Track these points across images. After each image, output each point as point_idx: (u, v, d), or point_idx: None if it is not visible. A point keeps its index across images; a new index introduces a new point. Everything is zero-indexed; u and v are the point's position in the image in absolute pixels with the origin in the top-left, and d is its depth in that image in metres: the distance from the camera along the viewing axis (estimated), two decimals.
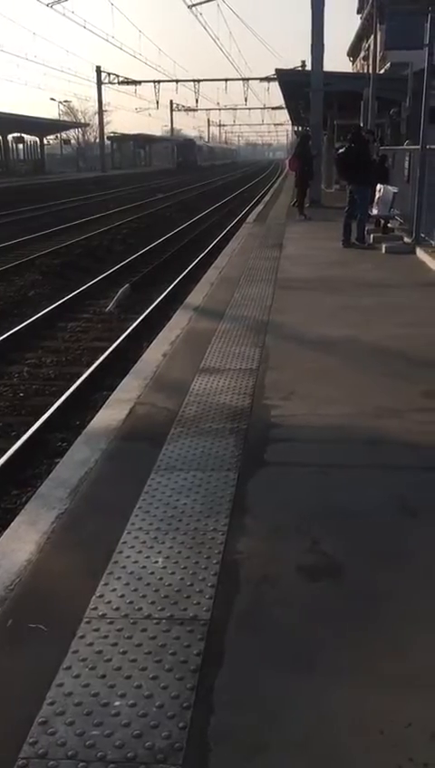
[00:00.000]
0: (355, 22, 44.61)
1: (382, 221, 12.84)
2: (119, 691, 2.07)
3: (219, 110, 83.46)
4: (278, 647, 2.27)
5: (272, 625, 2.37)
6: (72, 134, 75.86)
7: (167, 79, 57.85)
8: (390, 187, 12.56)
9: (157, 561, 2.72)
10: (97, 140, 70.73)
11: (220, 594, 2.51)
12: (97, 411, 4.58)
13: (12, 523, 3.12)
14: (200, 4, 25.66)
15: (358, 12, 44.61)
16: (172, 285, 10.98)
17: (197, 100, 64.58)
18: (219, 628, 2.33)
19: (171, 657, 2.20)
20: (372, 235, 12.11)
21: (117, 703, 2.02)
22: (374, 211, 12.68)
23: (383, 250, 11.02)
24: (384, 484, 3.38)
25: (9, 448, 5.00)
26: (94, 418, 4.37)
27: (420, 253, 10.52)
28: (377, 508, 3.14)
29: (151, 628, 2.34)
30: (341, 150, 12.27)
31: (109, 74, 56.80)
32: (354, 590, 2.56)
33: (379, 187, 12.77)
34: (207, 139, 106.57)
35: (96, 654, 2.22)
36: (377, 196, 12.81)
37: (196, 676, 2.12)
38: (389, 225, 12.91)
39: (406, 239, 11.74)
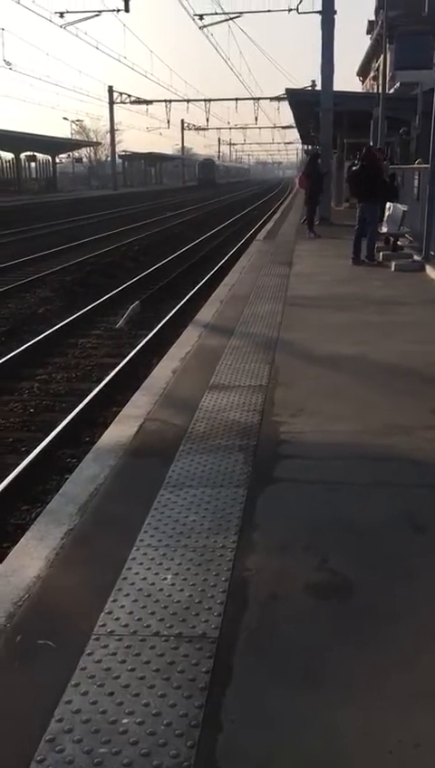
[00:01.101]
0: (365, 42, 45.10)
1: (392, 239, 12.88)
2: (127, 709, 2.06)
3: (230, 129, 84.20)
4: (287, 664, 2.25)
5: (280, 643, 2.36)
6: (83, 153, 76.71)
7: (178, 98, 58.48)
8: (399, 205, 12.61)
9: (166, 578, 2.71)
10: (108, 159, 71.50)
11: (229, 611, 2.50)
12: (107, 427, 4.59)
13: (21, 539, 3.13)
14: (211, 25, 25.97)
15: (368, 32, 45.11)
16: (182, 302, 11.03)
17: (207, 120, 65.26)
18: (228, 646, 2.33)
19: (180, 675, 2.19)
20: (381, 253, 12.15)
21: (125, 721, 2.02)
22: (384, 229, 12.72)
23: (393, 268, 11.04)
24: (393, 501, 3.37)
25: (19, 464, 5.02)
26: (104, 434, 4.38)
27: (429, 270, 10.53)
28: (386, 526, 3.13)
29: (160, 645, 2.33)
30: (355, 168, 12.33)
31: (120, 94, 57.58)
32: (363, 608, 2.55)
33: (388, 205, 12.83)
34: (217, 158, 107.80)
35: (104, 671, 2.22)
36: (387, 213, 12.87)
37: (204, 694, 2.11)
38: (398, 242, 12.95)
39: (416, 257, 11.75)
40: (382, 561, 2.86)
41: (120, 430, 4.34)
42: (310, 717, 2.03)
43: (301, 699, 2.11)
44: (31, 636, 2.39)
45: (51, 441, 5.44)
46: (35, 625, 2.46)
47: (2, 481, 4.75)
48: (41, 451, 5.25)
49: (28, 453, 5.27)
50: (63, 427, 5.72)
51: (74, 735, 1.97)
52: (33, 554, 2.93)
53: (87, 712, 2.05)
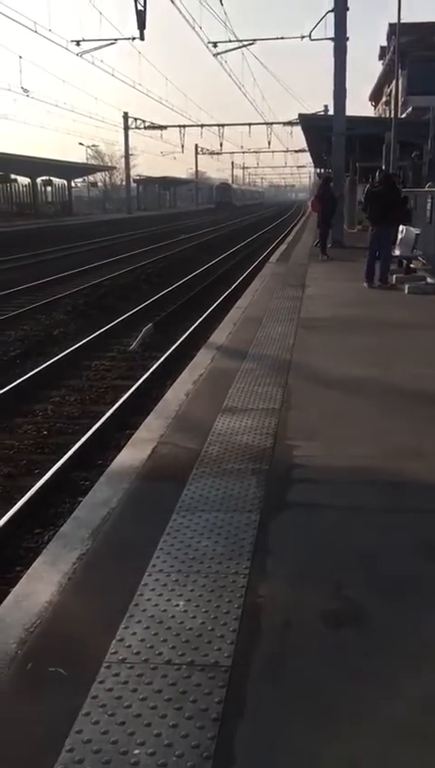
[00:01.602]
0: (377, 67, 45.61)
1: (405, 261, 12.90)
2: (138, 739, 2.03)
3: (243, 153, 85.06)
4: (301, 695, 2.22)
5: (294, 672, 2.32)
6: (99, 177, 77.59)
7: (192, 124, 59.25)
8: (412, 228, 12.64)
9: (178, 605, 2.69)
10: (123, 183, 72.30)
11: (242, 639, 2.47)
12: (120, 450, 4.59)
13: (33, 563, 3.12)
14: (225, 52, 26.32)
15: (380, 58, 45.64)
16: (195, 325, 11.07)
17: (221, 144, 66.08)
18: (241, 675, 2.29)
19: (192, 705, 2.16)
20: (394, 276, 12.15)
21: (136, 751, 1.99)
22: (397, 252, 12.75)
23: (406, 290, 11.04)
24: (408, 526, 3.33)
25: (33, 486, 5.02)
26: (117, 458, 4.37)
27: None
28: (401, 551, 3.09)
29: (172, 673, 2.30)
30: (375, 189, 12.33)
31: (135, 119, 58.38)
32: (379, 637, 2.50)
33: (401, 228, 12.87)
34: (231, 182, 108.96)
35: (116, 700, 2.19)
36: (399, 237, 12.90)
37: (217, 725, 2.08)
38: (411, 265, 12.96)
39: (429, 279, 11.76)
40: (397, 588, 2.82)
41: (132, 453, 4.33)
42: (325, 750, 1.99)
43: (315, 730, 2.06)
44: (42, 663, 2.37)
45: (64, 464, 5.45)
46: (47, 652, 2.44)
47: (15, 503, 4.75)
48: (54, 473, 5.25)
49: (41, 475, 5.27)
50: (76, 450, 5.73)
51: (85, 766, 1.94)
52: (46, 579, 2.91)
53: (98, 742, 2.02)
